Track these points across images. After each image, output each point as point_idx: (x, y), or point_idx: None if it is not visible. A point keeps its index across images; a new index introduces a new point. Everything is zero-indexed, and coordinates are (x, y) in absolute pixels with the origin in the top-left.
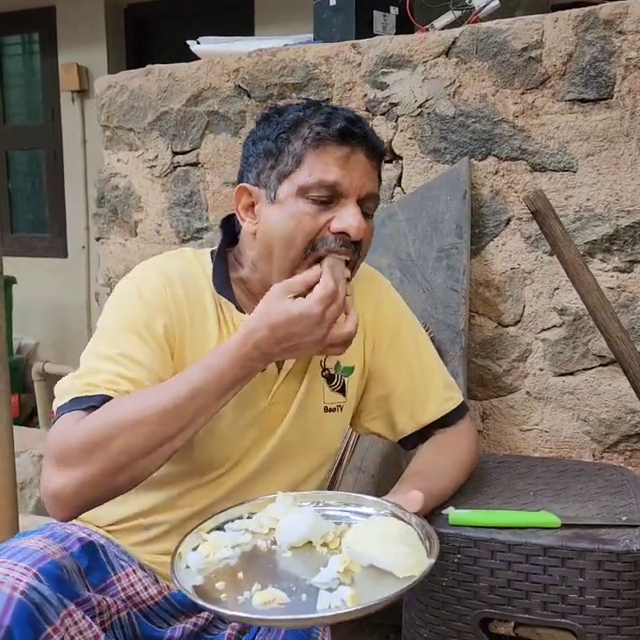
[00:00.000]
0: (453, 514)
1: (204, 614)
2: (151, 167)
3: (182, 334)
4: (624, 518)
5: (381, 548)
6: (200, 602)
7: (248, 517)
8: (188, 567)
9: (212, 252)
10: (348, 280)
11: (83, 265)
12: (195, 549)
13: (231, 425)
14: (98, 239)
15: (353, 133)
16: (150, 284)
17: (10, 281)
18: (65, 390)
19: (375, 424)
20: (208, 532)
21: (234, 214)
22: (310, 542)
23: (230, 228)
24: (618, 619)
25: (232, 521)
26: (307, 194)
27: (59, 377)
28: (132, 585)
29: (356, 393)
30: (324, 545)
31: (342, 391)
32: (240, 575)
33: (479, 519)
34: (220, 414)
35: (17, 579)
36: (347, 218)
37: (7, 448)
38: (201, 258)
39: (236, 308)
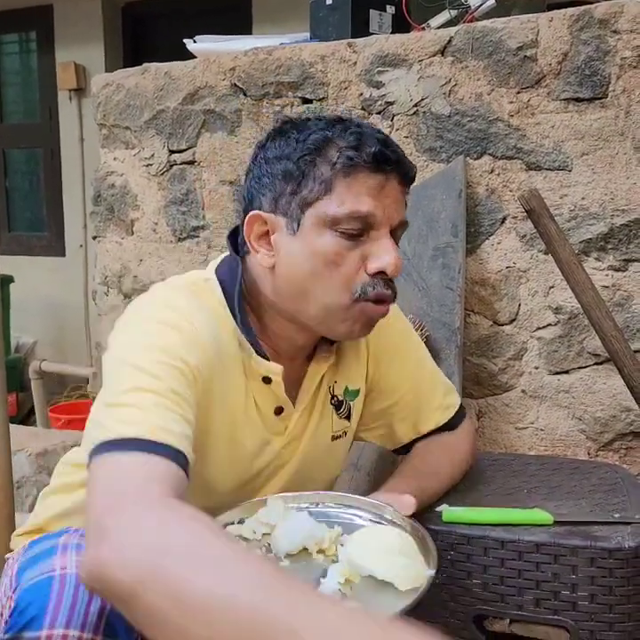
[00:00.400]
0: (447, 511)
1: None
2: (147, 165)
3: (212, 375)
4: (617, 515)
5: (381, 559)
6: None
7: (239, 522)
8: None
9: (222, 282)
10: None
11: (80, 263)
12: None
13: (248, 468)
14: (94, 238)
15: (387, 158)
16: (176, 320)
17: (7, 279)
18: (103, 423)
19: (372, 434)
20: None
21: (235, 230)
22: (305, 548)
23: (234, 246)
24: (610, 615)
25: (224, 527)
26: (336, 226)
27: (56, 375)
28: None
29: (359, 414)
30: (320, 551)
31: (348, 417)
32: None
33: (472, 516)
34: (238, 457)
35: None
36: (383, 255)
37: (4, 446)
38: (212, 285)
39: (257, 352)
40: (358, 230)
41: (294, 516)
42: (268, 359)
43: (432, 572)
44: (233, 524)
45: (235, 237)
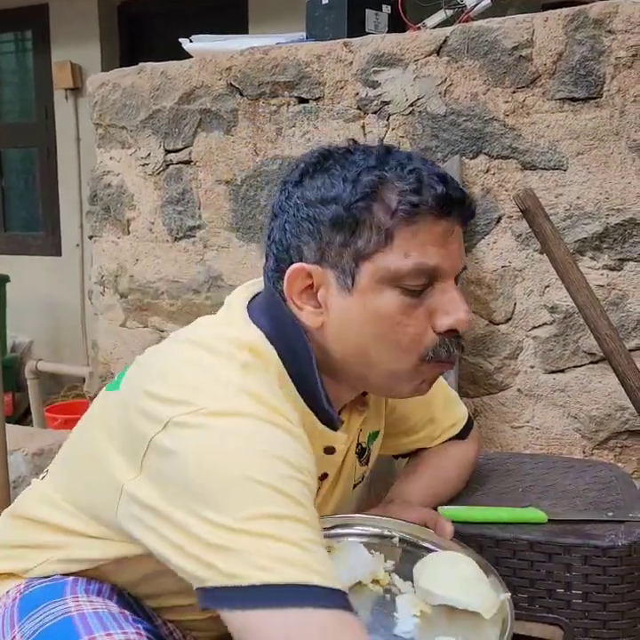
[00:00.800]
0: (442, 510)
1: None
2: (144, 165)
3: None
4: (610, 514)
5: (461, 587)
6: None
7: None
8: None
9: (271, 340)
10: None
11: (77, 263)
12: None
13: None
14: (91, 237)
15: (451, 201)
16: (274, 418)
17: (3, 279)
18: (244, 555)
19: (381, 451)
20: None
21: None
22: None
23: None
24: (604, 613)
25: None
26: (399, 282)
27: (52, 375)
28: None
29: (376, 454)
30: (374, 582)
31: (367, 461)
32: None
33: (467, 515)
34: None
35: None
36: (453, 311)
37: (0, 446)
38: (266, 349)
39: (327, 423)
40: (423, 286)
41: (347, 548)
42: (335, 428)
43: (508, 594)
44: None
45: (271, 277)
